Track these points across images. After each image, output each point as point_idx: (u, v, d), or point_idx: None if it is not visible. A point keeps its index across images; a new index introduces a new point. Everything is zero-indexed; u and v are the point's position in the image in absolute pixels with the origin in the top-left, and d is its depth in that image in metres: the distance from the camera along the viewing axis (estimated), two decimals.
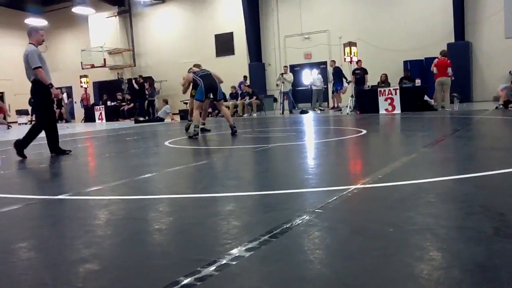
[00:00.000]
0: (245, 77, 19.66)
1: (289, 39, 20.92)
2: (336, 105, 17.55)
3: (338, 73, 16.89)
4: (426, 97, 13.16)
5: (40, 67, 6.31)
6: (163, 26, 24.04)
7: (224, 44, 22.20)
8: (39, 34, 6.60)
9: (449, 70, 12.79)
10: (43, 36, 6.66)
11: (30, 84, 6.50)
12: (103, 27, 25.45)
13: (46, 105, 6.61)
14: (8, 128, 18.47)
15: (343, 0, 19.43)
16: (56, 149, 6.79)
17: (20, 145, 6.59)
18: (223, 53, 22.21)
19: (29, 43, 6.50)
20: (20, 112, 24.61)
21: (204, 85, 8.67)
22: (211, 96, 8.96)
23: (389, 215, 2.55)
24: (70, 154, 6.85)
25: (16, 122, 23.74)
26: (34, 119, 6.24)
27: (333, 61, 17.42)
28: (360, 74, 15.27)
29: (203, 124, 9.61)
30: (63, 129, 16.30)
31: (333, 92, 17.90)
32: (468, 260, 1.83)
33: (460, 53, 16.67)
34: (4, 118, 20.61)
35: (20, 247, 2.40)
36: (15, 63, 27.04)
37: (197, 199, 3.34)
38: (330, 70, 18.12)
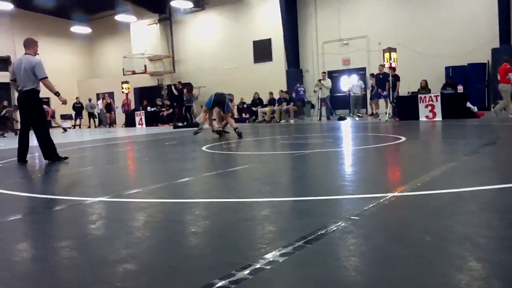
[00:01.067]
0: (299, 81, 19.63)
1: (328, 45, 20.80)
2: (374, 112, 17.30)
3: (385, 79, 16.50)
4: (468, 104, 12.79)
5: (47, 77, 6.51)
6: (202, 33, 24.40)
7: (262, 51, 22.30)
8: (36, 45, 6.76)
9: (510, 75, 12.38)
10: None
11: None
12: (144, 34, 26.08)
13: (42, 112, 6.74)
14: (64, 131, 19.24)
15: (383, 5, 19.16)
16: (53, 156, 6.78)
17: (52, 156, 6.75)
18: (261, 60, 22.31)
19: (27, 53, 6.60)
20: (64, 117, 25.50)
21: (214, 97, 10.41)
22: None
23: (427, 224, 2.50)
24: (67, 159, 6.87)
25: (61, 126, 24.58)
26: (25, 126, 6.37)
27: (382, 66, 16.92)
28: (392, 81, 14.94)
29: (223, 127, 11.08)
30: (104, 133, 16.78)
31: (371, 98, 17.64)
32: (510, 271, 1.77)
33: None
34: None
35: (63, 246, 2.49)
36: (60, 69, 28.17)
37: (233, 203, 3.37)
38: (369, 78, 17.86)
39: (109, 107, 24.26)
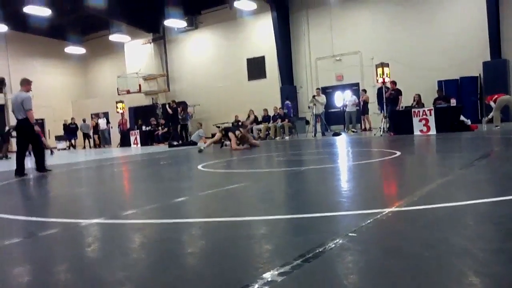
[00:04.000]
0: (287, 97, 19.79)
1: (321, 61, 20.99)
2: (368, 127, 17.39)
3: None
4: (462, 117, 12.89)
5: (31, 109, 8.18)
6: (196, 51, 24.59)
7: (256, 68, 22.48)
8: (30, 85, 8.41)
9: None
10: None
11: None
12: (138, 54, 26.24)
13: (32, 135, 8.44)
14: (52, 154, 18.83)
15: (375, 21, 19.41)
16: (41, 168, 8.62)
17: (42, 168, 8.63)
18: (255, 77, 22.48)
19: (21, 90, 8.27)
20: (59, 138, 25.40)
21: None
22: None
23: (424, 238, 2.49)
24: (50, 171, 8.72)
25: (56, 147, 24.51)
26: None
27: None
28: (393, 95, 15.04)
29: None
30: (99, 153, 16.72)
31: (363, 114, 17.79)
32: (507, 283, 1.77)
33: (497, 71, 16.29)
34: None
35: (59, 269, 2.47)
36: (55, 90, 28.27)
37: (229, 222, 3.35)
38: (361, 93, 17.98)
39: (95, 129, 24.35)
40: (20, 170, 8.32)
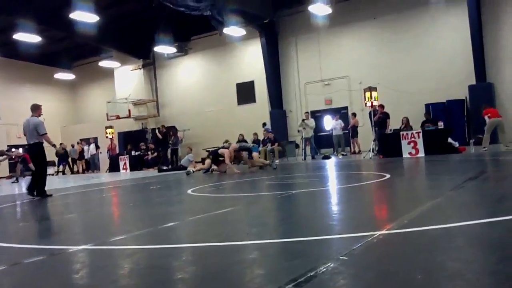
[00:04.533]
0: (264, 124, 19.84)
1: (310, 86, 21.18)
2: (357, 150, 17.48)
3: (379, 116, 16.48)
4: (450, 140, 13.01)
5: (46, 133, 8.71)
6: (186, 77, 24.70)
7: (245, 93, 22.60)
8: (40, 109, 8.93)
9: None
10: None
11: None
12: (128, 80, 26.28)
13: (39, 159, 8.83)
14: (16, 181, 18.50)
15: (362, 47, 19.71)
16: (41, 193, 8.72)
17: (42, 193, 8.70)
18: (244, 101, 22.57)
19: (33, 115, 8.75)
20: (47, 163, 25.15)
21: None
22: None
23: (416, 261, 2.48)
24: (51, 196, 8.80)
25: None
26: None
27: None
28: (382, 118, 15.18)
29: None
30: (88, 179, 16.57)
31: (352, 138, 17.88)
32: None
33: (482, 94, 16.52)
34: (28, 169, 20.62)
35: None
36: (44, 115, 28.04)
37: (220, 247, 3.31)
38: (350, 117, 18.11)
39: (81, 155, 24.24)
40: (31, 188, 8.77)
